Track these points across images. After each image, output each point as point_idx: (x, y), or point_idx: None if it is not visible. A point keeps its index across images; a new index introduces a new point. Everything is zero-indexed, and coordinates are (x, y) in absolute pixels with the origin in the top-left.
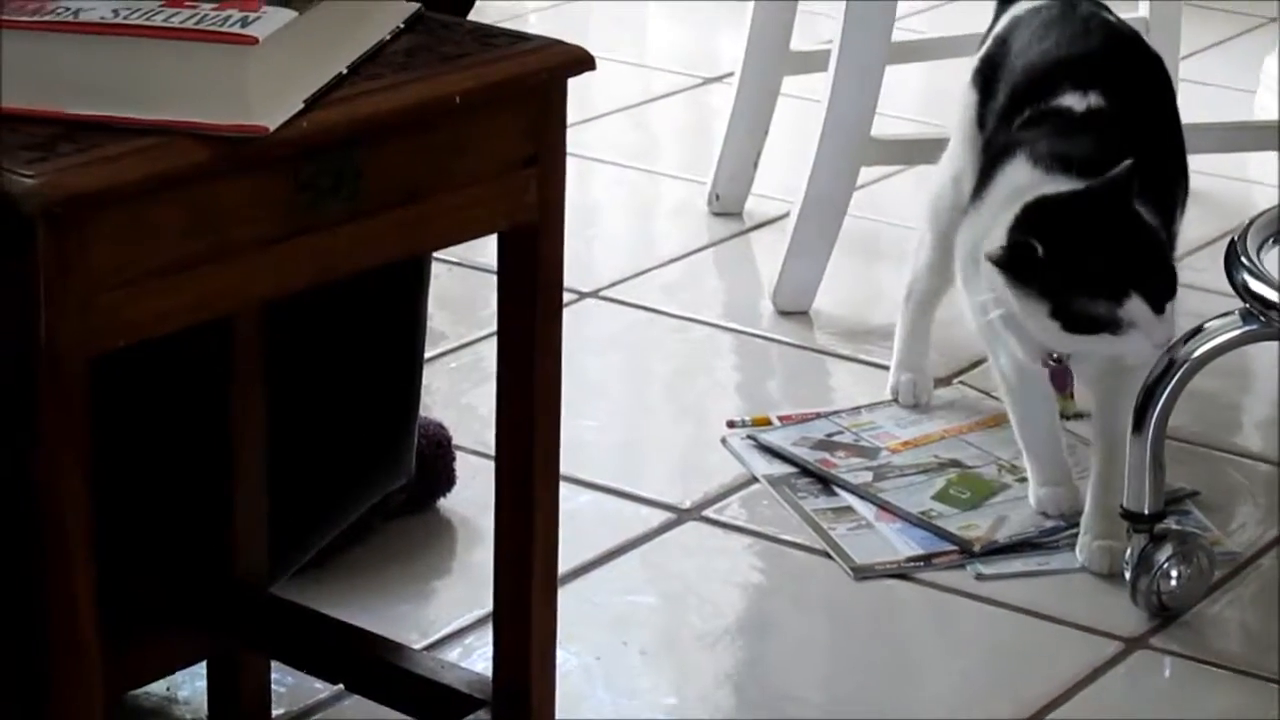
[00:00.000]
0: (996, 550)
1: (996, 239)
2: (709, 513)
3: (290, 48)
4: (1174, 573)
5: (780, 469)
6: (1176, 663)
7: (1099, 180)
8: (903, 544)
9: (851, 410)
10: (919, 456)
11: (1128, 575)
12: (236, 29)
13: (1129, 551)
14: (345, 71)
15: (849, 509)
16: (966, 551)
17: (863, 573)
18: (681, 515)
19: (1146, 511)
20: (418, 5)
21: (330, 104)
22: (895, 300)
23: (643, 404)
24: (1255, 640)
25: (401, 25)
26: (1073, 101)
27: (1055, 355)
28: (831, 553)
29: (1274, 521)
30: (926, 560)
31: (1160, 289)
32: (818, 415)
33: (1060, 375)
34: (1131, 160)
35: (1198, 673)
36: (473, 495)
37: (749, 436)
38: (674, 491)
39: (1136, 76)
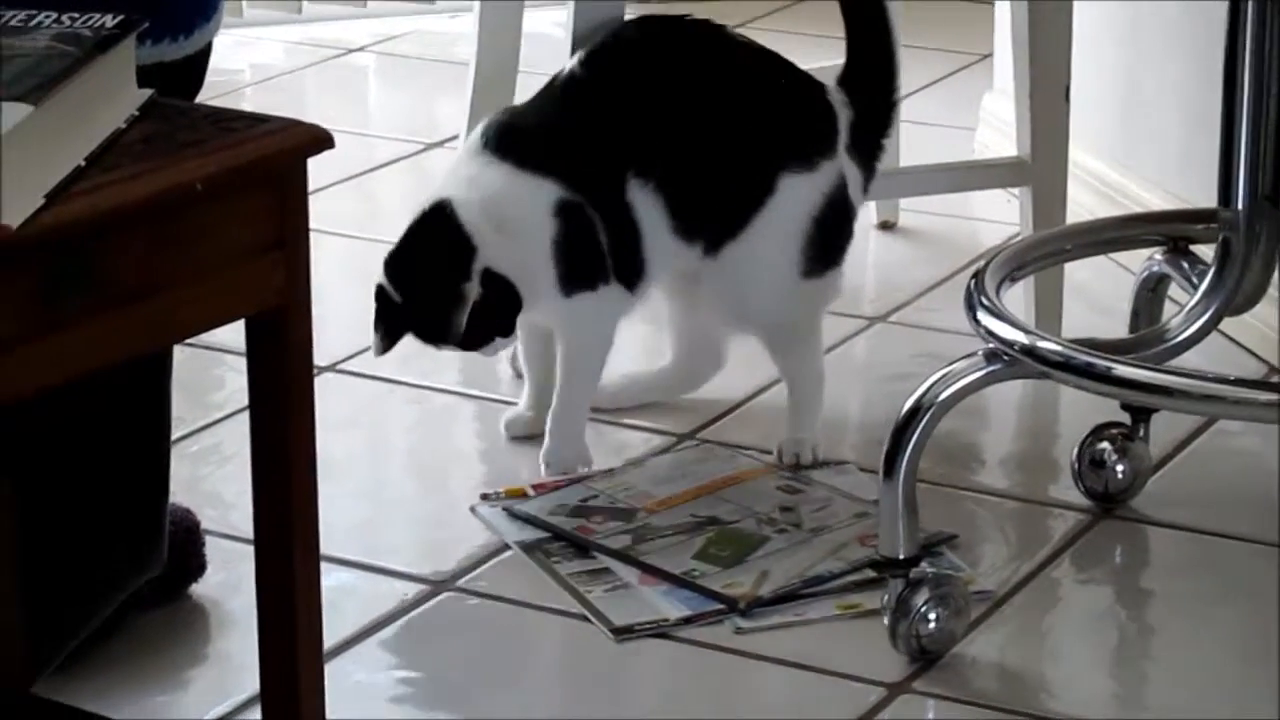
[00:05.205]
0: (763, 605)
1: None
2: (463, 583)
3: (28, 143)
4: (932, 615)
5: (532, 534)
6: (940, 705)
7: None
8: (669, 606)
9: (605, 473)
10: (676, 516)
11: (886, 620)
12: None
13: (886, 596)
14: (83, 164)
15: (605, 570)
16: (734, 610)
17: (622, 634)
18: (436, 587)
19: (902, 556)
20: (151, 92)
21: (71, 198)
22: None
23: (388, 477)
24: (1014, 677)
25: (136, 113)
26: None
27: None
28: (590, 615)
29: (1025, 558)
30: (693, 621)
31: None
32: (570, 481)
33: None
34: None
35: (961, 714)
36: (223, 580)
37: (504, 508)
38: (427, 564)
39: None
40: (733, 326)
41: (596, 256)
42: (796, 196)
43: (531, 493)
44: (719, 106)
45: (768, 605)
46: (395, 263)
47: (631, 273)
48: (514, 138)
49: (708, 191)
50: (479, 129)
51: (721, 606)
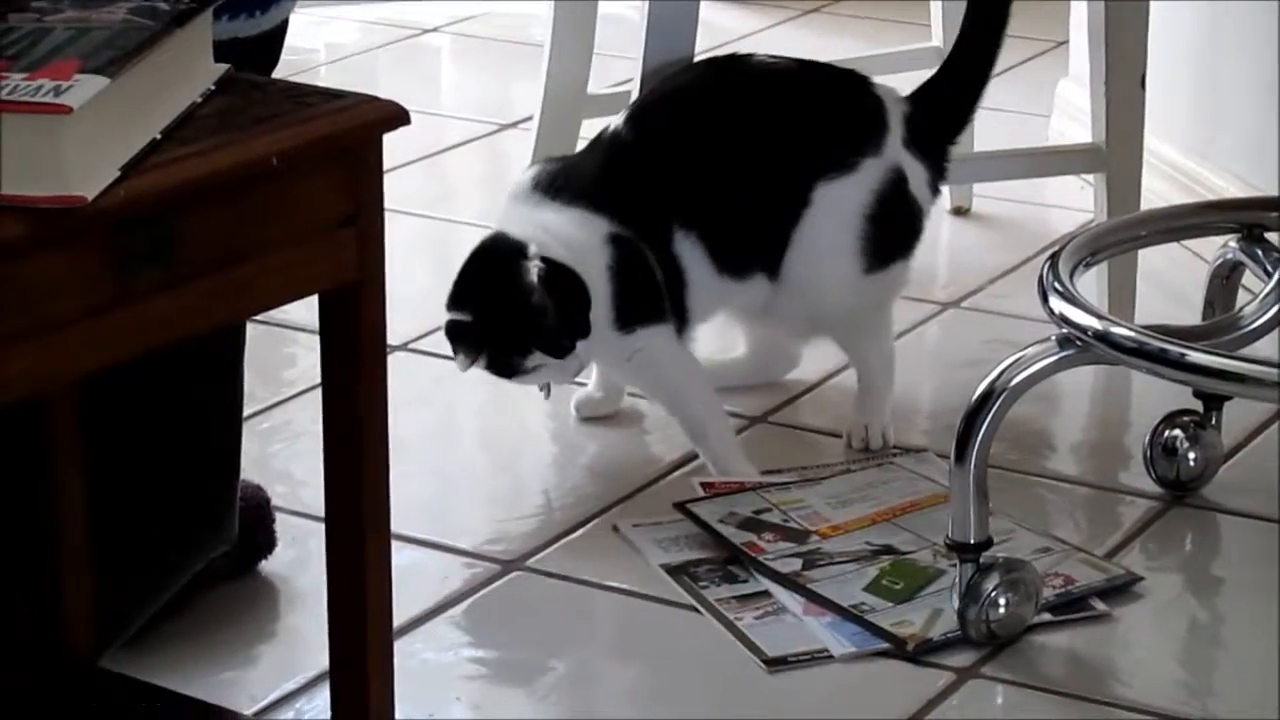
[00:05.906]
0: (931, 649)
1: None
2: (532, 563)
3: (104, 115)
4: (1002, 601)
5: (677, 557)
6: (1009, 690)
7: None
8: (833, 640)
9: (780, 485)
10: (850, 543)
11: (956, 605)
12: (49, 99)
13: (957, 580)
14: (159, 137)
15: (758, 595)
16: (900, 651)
17: (776, 666)
18: (506, 566)
19: (972, 541)
20: (227, 66)
21: (146, 171)
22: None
23: (459, 456)
24: (1084, 664)
25: (213, 87)
26: None
27: None
28: (740, 644)
29: (1096, 544)
30: (857, 658)
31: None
32: (742, 487)
33: None
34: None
35: (1030, 699)
36: (293, 556)
37: (674, 504)
38: (496, 543)
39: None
40: (802, 334)
41: (654, 290)
42: (838, 200)
43: (700, 490)
44: (742, 144)
45: (937, 649)
46: (454, 292)
47: (678, 316)
48: (562, 180)
49: (747, 230)
50: (525, 176)
51: (888, 646)
